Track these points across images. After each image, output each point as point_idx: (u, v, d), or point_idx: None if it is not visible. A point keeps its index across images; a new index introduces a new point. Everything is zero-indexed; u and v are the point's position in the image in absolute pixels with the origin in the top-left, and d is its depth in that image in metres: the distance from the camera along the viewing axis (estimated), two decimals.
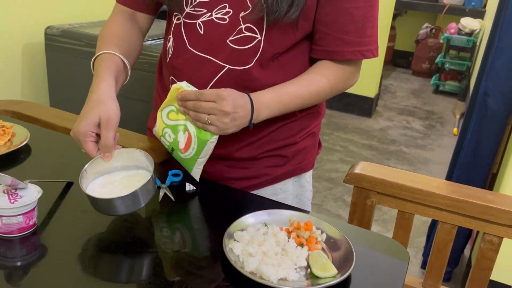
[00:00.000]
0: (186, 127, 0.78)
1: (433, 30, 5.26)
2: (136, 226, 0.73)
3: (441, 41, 4.83)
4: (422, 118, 3.96)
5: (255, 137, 0.88)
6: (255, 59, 0.81)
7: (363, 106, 3.85)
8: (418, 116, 4.02)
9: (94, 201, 0.68)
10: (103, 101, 0.73)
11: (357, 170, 1.00)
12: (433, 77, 4.82)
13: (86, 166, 0.71)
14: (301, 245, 0.69)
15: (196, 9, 0.83)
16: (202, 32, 0.82)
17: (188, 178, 0.85)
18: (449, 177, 1.99)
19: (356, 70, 0.88)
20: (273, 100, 0.80)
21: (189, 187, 0.84)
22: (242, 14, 0.79)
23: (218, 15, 0.81)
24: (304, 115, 0.92)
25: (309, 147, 0.95)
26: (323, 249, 0.70)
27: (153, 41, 1.54)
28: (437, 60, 4.74)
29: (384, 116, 3.94)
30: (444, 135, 3.63)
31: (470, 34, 4.51)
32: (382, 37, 3.53)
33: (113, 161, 0.73)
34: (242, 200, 0.85)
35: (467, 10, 4.80)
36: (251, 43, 0.80)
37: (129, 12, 0.91)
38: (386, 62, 5.29)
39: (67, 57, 1.58)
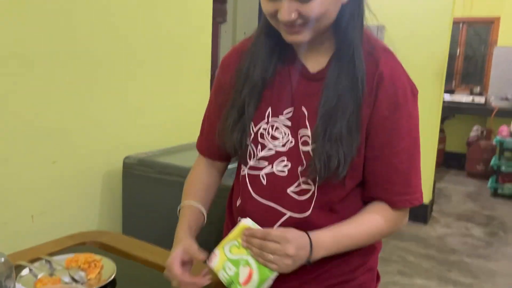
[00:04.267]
0: (248, 262, 0.86)
1: (484, 132, 5.26)
2: None
3: (494, 143, 4.80)
4: (482, 224, 3.82)
5: (315, 274, 0.95)
6: (311, 208, 0.92)
7: (418, 212, 3.80)
8: (477, 222, 3.88)
9: None
10: (181, 240, 0.93)
11: None
12: (490, 180, 4.71)
13: None
14: None
15: (259, 161, 0.97)
16: (265, 183, 0.95)
17: None
18: None
19: (405, 215, 0.96)
20: (331, 241, 0.89)
21: None
22: (300, 169, 0.92)
23: (279, 168, 0.94)
24: (361, 251, 0.98)
25: (367, 282, 1.00)
26: None
27: None
28: (492, 163, 4.67)
29: (441, 222, 3.85)
30: (508, 244, 3.46)
31: None
32: (432, 140, 3.60)
33: None
34: None
35: None
36: (308, 194, 0.92)
37: (209, 160, 1.10)
38: (438, 164, 5.27)
39: (141, 183, 1.77)
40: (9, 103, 1.43)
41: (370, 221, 0.93)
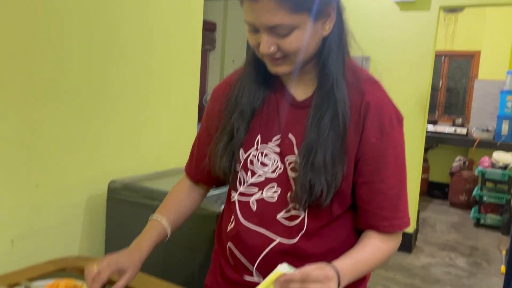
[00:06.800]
0: None
1: (466, 162, 5.35)
2: None
3: (476, 173, 4.88)
4: (465, 255, 3.84)
5: None
6: (301, 234, 0.92)
7: (402, 241, 3.78)
8: (461, 252, 3.90)
9: None
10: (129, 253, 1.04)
11: None
12: (473, 210, 4.76)
13: None
14: None
15: (249, 187, 0.97)
16: (254, 209, 0.96)
17: None
18: None
19: (398, 237, 0.96)
20: (352, 269, 0.86)
21: None
22: (289, 194, 0.92)
23: (269, 194, 0.95)
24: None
25: None
26: None
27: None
28: (474, 193, 4.73)
29: (426, 252, 3.85)
30: (491, 274, 3.47)
31: (504, 167, 4.56)
32: (416, 170, 3.63)
33: None
34: None
35: (498, 144, 4.92)
36: (297, 219, 0.93)
37: (193, 183, 1.13)
38: (422, 194, 5.32)
39: (126, 208, 1.74)
40: None
41: (375, 246, 0.92)
